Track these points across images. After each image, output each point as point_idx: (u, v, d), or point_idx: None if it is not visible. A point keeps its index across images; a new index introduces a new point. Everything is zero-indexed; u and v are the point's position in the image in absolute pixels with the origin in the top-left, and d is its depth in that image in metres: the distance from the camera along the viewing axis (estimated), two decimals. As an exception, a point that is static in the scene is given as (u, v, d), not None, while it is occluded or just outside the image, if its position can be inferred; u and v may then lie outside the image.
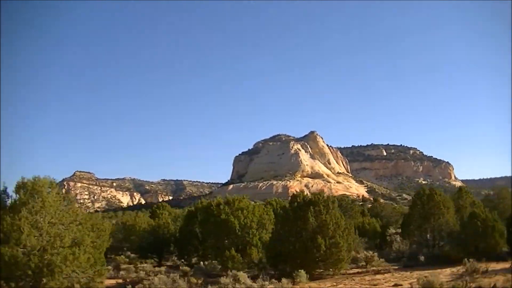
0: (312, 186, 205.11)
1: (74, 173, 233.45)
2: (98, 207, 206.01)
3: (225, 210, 22.49)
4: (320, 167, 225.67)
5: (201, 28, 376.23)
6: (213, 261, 19.36)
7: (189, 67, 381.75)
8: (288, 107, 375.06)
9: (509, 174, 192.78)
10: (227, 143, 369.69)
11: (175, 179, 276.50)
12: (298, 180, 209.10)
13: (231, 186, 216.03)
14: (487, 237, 20.43)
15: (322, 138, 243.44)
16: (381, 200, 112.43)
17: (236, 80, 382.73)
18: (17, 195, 13.89)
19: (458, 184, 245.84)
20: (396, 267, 20.51)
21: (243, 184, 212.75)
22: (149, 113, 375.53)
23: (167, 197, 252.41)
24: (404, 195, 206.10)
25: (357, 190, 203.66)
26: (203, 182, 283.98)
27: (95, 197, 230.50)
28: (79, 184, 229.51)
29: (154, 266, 22.32)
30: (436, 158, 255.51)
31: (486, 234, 20.42)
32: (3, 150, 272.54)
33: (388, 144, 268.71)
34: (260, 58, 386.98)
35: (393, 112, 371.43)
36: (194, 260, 24.20)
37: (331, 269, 18.23)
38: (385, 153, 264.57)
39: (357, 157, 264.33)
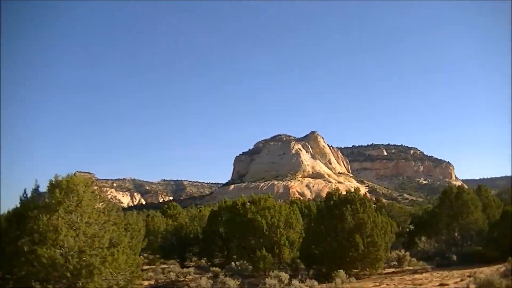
0: (313, 186, 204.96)
1: (74, 173, 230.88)
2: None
3: (251, 209, 21.91)
4: (321, 167, 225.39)
5: (201, 28, 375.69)
6: (245, 262, 18.72)
7: (189, 67, 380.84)
8: (288, 107, 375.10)
9: (509, 174, 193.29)
10: (227, 143, 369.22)
11: (175, 179, 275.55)
12: (299, 180, 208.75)
13: (232, 186, 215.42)
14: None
15: (323, 138, 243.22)
16: (383, 200, 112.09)
17: (236, 80, 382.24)
18: (51, 194, 13.26)
19: (459, 184, 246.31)
20: (429, 266, 19.99)
21: (244, 184, 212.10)
22: (149, 113, 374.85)
23: (167, 197, 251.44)
24: (405, 195, 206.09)
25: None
26: (203, 182, 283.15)
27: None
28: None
29: (182, 267, 21.71)
30: (436, 158, 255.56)
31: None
32: (3, 150, 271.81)
33: (388, 144, 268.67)
34: (260, 58, 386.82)
35: (393, 112, 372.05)
36: (217, 260, 23.59)
37: (367, 269, 17.68)
38: (385, 153, 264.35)
39: (358, 157, 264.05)
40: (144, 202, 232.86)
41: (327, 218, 17.61)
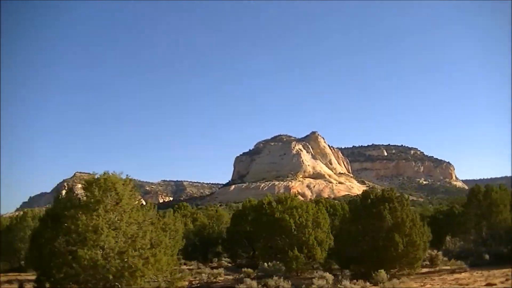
0: (314, 186, 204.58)
1: (74, 174, 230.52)
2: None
3: (277, 208, 21.39)
4: (322, 168, 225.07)
5: (201, 28, 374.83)
6: (277, 262, 18.19)
7: (189, 67, 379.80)
8: (288, 108, 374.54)
9: (509, 174, 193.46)
10: (227, 144, 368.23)
11: (175, 179, 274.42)
12: (300, 181, 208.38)
13: (233, 186, 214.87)
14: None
15: (323, 138, 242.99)
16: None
17: (236, 80, 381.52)
18: (89, 192, 12.67)
19: (459, 184, 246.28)
20: (463, 266, 19.51)
21: (245, 185, 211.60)
22: (149, 113, 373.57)
23: (167, 198, 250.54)
24: (406, 195, 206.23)
25: (359, 190, 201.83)
26: (203, 182, 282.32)
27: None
28: (79, 185, 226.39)
29: (212, 268, 21.11)
30: (437, 158, 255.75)
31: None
32: (3, 150, 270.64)
33: (389, 144, 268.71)
34: (260, 58, 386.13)
35: (394, 112, 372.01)
36: (241, 261, 23.03)
37: (405, 269, 17.18)
38: (386, 153, 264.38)
39: (358, 158, 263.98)
40: (144, 203, 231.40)
41: (364, 217, 17.08)
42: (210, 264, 23.89)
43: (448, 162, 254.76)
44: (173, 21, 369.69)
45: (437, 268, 19.06)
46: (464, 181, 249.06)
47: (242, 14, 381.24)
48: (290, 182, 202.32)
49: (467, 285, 14.65)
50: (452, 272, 17.65)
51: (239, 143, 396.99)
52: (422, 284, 15.15)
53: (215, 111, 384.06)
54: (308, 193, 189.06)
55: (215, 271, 18.52)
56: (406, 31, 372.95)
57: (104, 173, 13.24)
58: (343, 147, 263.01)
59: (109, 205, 12.43)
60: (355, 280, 14.78)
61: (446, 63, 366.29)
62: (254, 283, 14.08)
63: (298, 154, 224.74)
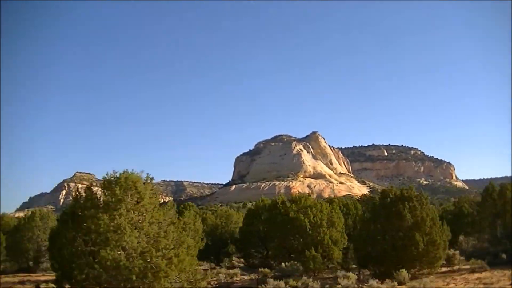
0: (314, 186, 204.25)
1: (75, 174, 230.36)
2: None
3: (292, 208, 21.15)
4: (322, 168, 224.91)
5: (201, 28, 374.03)
6: (295, 262, 17.94)
7: (189, 67, 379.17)
8: (288, 108, 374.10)
9: (509, 174, 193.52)
10: (227, 144, 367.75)
11: (175, 180, 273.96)
12: (300, 181, 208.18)
13: (233, 186, 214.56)
14: None
15: (324, 138, 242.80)
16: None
17: (236, 80, 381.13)
18: (109, 191, 12.36)
19: (460, 184, 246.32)
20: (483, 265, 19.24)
21: (245, 185, 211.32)
22: (149, 113, 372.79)
23: (167, 198, 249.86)
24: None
25: (360, 190, 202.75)
26: (203, 183, 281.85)
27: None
28: (79, 185, 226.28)
29: (228, 268, 20.84)
30: (437, 158, 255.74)
31: None
32: (3, 150, 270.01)
33: (389, 144, 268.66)
34: (260, 58, 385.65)
35: (394, 112, 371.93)
36: (254, 261, 22.75)
37: (425, 269, 16.94)
38: (386, 154, 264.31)
39: (358, 158, 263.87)
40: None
41: (384, 216, 16.82)
42: (221, 264, 23.60)
43: (449, 162, 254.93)
44: (173, 21, 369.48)
45: (456, 268, 18.82)
46: (465, 181, 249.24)
47: (242, 14, 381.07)
48: (290, 182, 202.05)
49: (491, 284, 14.42)
50: (472, 271, 17.41)
51: (239, 143, 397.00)
52: (445, 283, 14.91)
53: (215, 111, 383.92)
54: (308, 193, 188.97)
55: (230, 271, 18.24)
56: (406, 31, 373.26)
57: (124, 171, 12.95)
58: (343, 147, 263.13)
59: (129, 205, 12.15)
60: (377, 280, 14.52)
61: (446, 63, 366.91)
62: (282, 283, 13.78)
63: (298, 154, 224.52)
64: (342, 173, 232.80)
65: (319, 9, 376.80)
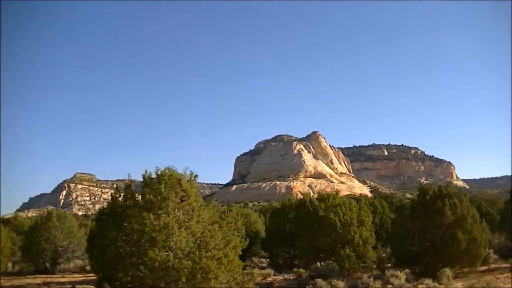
0: (315, 186, 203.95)
1: (75, 174, 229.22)
2: (99, 209, 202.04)
3: (320, 206, 20.70)
4: (323, 167, 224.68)
5: (201, 28, 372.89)
6: (331, 261, 17.51)
7: (189, 67, 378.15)
8: (288, 108, 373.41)
9: (509, 174, 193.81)
10: (227, 144, 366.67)
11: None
12: (301, 181, 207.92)
13: (234, 186, 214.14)
14: None
15: (324, 138, 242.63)
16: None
17: (236, 80, 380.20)
18: (153, 189, 11.83)
19: (460, 183, 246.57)
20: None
21: (246, 185, 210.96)
22: (149, 113, 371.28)
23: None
24: (407, 195, 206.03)
25: (361, 190, 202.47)
26: (203, 183, 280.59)
27: (96, 198, 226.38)
28: (79, 186, 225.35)
29: (261, 268, 20.35)
30: (437, 158, 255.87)
31: None
32: (3, 150, 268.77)
33: (389, 144, 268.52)
34: (260, 58, 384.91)
35: (394, 112, 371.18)
36: (280, 260, 22.30)
37: (466, 267, 16.54)
38: (386, 153, 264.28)
39: (359, 157, 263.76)
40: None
41: (423, 214, 16.36)
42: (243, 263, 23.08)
43: (449, 162, 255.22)
44: (173, 21, 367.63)
45: (494, 266, 18.40)
46: (465, 181, 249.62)
47: (242, 14, 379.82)
48: (291, 182, 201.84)
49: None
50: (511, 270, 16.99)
51: (239, 143, 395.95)
52: (502, 283, 14.48)
53: (215, 111, 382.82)
54: (309, 193, 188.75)
55: (263, 271, 17.78)
56: (406, 31, 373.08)
57: (166, 168, 12.45)
58: (343, 147, 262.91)
59: (174, 203, 11.64)
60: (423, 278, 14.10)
61: (446, 63, 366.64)
62: (341, 283, 13.29)
63: (299, 154, 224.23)
64: (343, 173, 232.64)
65: (319, 9, 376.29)
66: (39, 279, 21.31)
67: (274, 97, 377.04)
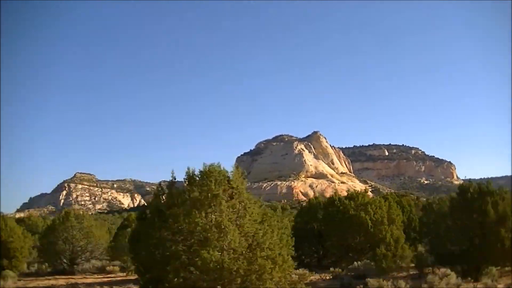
0: (316, 186, 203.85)
1: (75, 174, 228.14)
2: (99, 209, 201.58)
3: (350, 205, 20.27)
4: (324, 167, 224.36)
5: (201, 28, 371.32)
6: (368, 261, 17.08)
7: (189, 67, 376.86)
8: (288, 108, 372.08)
9: (509, 174, 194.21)
10: (227, 144, 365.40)
11: (175, 180, 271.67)
12: (302, 181, 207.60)
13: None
14: None
15: (325, 138, 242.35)
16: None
17: (236, 80, 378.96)
18: (195, 187, 11.33)
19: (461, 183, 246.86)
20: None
21: (247, 185, 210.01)
22: (149, 113, 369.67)
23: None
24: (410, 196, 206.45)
25: (362, 190, 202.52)
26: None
27: (96, 198, 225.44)
28: (79, 186, 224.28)
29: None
30: (438, 158, 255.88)
31: None
32: (3, 150, 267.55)
33: (390, 144, 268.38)
34: (260, 58, 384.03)
35: (394, 112, 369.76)
36: (308, 260, 21.83)
37: (508, 266, 16.13)
38: (387, 153, 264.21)
39: (359, 157, 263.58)
40: (145, 203, 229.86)
41: (465, 212, 15.93)
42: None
43: (449, 162, 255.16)
44: (173, 21, 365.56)
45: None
46: (466, 181, 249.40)
47: (242, 14, 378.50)
48: (292, 182, 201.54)
49: None
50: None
51: (239, 143, 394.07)
52: None
53: (215, 111, 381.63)
54: (310, 193, 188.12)
55: (298, 271, 17.27)
56: (406, 31, 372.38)
57: (211, 164, 11.95)
58: (344, 147, 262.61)
59: (223, 201, 11.14)
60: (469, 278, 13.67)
61: (446, 63, 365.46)
62: (402, 282, 12.82)
63: (300, 154, 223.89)
64: (344, 173, 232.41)
65: (319, 9, 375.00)
66: (62, 280, 20.78)
67: (275, 97, 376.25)
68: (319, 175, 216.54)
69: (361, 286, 13.40)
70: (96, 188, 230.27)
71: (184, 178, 12.40)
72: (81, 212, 28.01)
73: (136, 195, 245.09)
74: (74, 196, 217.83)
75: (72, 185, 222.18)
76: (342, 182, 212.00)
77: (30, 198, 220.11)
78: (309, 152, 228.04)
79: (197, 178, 11.62)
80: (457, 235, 15.97)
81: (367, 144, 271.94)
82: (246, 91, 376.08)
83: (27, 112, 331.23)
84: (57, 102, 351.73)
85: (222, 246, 10.55)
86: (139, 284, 11.95)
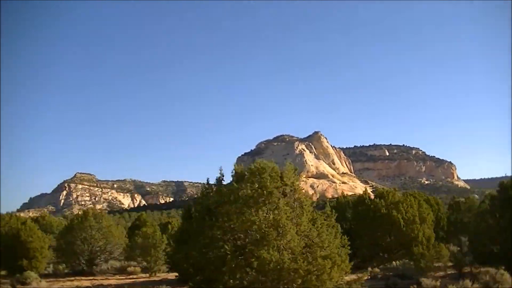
0: (317, 186, 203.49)
1: (75, 174, 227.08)
2: (99, 209, 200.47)
3: (381, 204, 19.83)
4: (325, 168, 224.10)
5: (201, 28, 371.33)
6: (406, 260, 16.65)
7: (189, 67, 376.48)
8: (289, 108, 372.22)
9: (509, 174, 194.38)
10: (227, 144, 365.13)
11: (175, 180, 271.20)
12: (303, 181, 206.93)
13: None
14: None
15: (326, 138, 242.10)
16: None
17: (236, 80, 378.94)
18: (248, 183, 10.83)
19: (461, 184, 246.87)
20: None
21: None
22: (149, 113, 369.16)
23: (168, 198, 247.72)
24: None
25: (362, 190, 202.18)
26: (203, 183, 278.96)
27: (96, 198, 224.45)
28: (80, 186, 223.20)
29: None
30: (438, 158, 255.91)
31: None
32: (3, 150, 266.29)
33: (390, 144, 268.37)
34: (260, 58, 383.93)
35: (395, 112, 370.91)
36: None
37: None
38: (387, 153, 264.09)
39: (360, 158, 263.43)
40: (145, 203, 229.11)
41: (508, 210, 15.50)
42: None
43: (450, 162, 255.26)
44: (173, 21, 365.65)
45: None
46: (466, 181, 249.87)
47: (242, 14, 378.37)
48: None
49: None
50: None
51: (239, 143, 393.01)
52: None
53: (216, 111, 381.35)
54: (311, 193, 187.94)
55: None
56: (406, 31, 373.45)
57: (261, 161, 11.47)
58: (344, 147, 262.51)
59: (276, 198, 10.67)
60: None
61: (447, 63, 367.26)
62: (468, 282, 12.35)
63: (301, 154, 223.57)
64: (345, 173, 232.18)
65: (319, 9, 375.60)
66: (85, 282, 20.22)
67: (275, 97, 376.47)
68: (320, 175, 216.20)
69: (415, 286, 12.92)
70: (96, 188, 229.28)
71: (231, 175, 11.85)
72: (100, 212, 27.40)
73: (136, 195, 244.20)
74: (74, 196, 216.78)
75: (72, 185, 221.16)
76: (343, 183, 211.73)
77: (30, 198, 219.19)
78: (310, 152, 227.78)
79: (248, 175, 11.11)
80: (500, 233, 15.52)
81: (367, 145, 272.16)
82: (247, 91, 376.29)
83: (27, 112, 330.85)
84: (57, 102, 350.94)
85: (279, 245, 10.09)
86: (188, 286, 11.42)
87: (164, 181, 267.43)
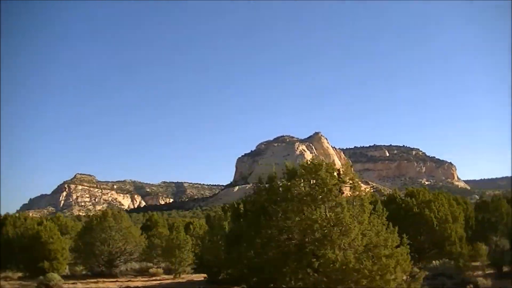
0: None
1: (75, 175, 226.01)
2: (99, 210, 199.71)
3: (413, 202, 19.46)
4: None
5: (201, 28, 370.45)
6: (446, 260, 16.31)
7: (189, 67, 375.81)
8: (289, 108, 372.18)
9: (509, 175, 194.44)
10: (227, 145, 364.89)
11: (175, 181, 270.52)
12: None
13: (236, 187, 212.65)
14: None
15: (326, 139, 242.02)
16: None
17: (236, 80, 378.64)
18: (304, 180, 10.44)
19: (462, 184, 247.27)
20: None
21: (249, 186, 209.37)
22: (149, 113, 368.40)
23: (168, 199, 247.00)
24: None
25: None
26: (203, 184, 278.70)
27: (96, 199, 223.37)
28: (80, 187, 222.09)
29: None
30: (438, 159, 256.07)
31: None
32: (3, 150, 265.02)
33: (390, 144, 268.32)
34: (260, 57, 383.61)
35: (395, 113, 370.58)
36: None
37: None
38: (387, 154, 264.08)
39: (360, 158, 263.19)
40: (144, 204, 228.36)
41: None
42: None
43: (450, 163, 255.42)
44: (173, 21, 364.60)
45: None
46: (466, 182, 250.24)
47: (242, 14, 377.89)
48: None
49: None
50: None
51: (239, 144, 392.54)
52: None
53: (216, 112, 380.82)
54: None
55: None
56: (406, 31, 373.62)
57: (312, 158, 11.09)
58: (344, 147, 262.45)
59: (336, 196, 10.28)
60: None
61: (447, 63, 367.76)
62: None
63: (301, 154, 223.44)
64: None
65: (319, 9, 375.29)
66: (110, 284, 19.74)
67: (275, 97, 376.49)
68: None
69: (471, 286, 12.56)
70: (96, 189, 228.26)
71: (283, 173, 11.40)
72: (119, 212, 26.92)
73: (136, 196, 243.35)
74: (74, 197, 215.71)
75: (72, 186, 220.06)
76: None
77: (30, 199, 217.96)
78: (310, 153, 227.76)
79: (303, 172, 10.70)
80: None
81: (367, 145, 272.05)
82: (247, 91, 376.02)
83: (27, 112, 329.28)
84: (57, 102, 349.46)
85: (341, 245, 9.70)
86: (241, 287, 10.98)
87: (164, 182, 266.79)
